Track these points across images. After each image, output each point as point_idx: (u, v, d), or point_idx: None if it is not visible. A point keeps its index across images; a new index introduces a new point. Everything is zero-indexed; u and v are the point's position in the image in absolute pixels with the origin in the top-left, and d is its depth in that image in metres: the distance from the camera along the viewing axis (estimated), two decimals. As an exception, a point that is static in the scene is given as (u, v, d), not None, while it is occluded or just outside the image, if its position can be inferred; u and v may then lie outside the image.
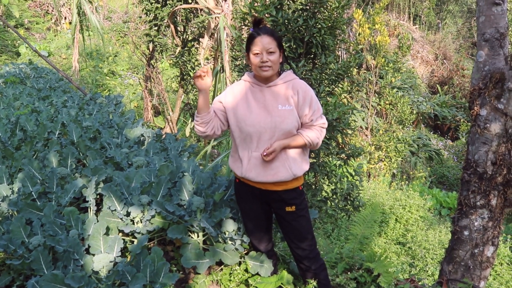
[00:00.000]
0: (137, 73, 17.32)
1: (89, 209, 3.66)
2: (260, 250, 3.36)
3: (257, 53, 2.75)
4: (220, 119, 2.95)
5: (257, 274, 3.33)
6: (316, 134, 2.87)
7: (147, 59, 11.13)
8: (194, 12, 10.53)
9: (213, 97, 7.08)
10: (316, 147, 2.92)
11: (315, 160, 5.95)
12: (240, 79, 3.02)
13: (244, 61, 6.34)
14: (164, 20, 10.11)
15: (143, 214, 3.45)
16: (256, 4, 5.51)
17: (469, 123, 3.58)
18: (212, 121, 2.91)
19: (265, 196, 2.97)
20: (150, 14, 10.24)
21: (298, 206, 2.97)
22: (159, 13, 10.06)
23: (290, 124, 2.79)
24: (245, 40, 6.10)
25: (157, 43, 10.52)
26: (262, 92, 2.86)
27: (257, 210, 3.10)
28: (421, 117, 17.46)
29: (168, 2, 10.05)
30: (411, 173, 13.55)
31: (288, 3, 5.58)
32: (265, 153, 2.76)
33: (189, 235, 3.46)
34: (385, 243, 8.34)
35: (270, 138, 2.80)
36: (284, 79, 2.87)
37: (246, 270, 3.37)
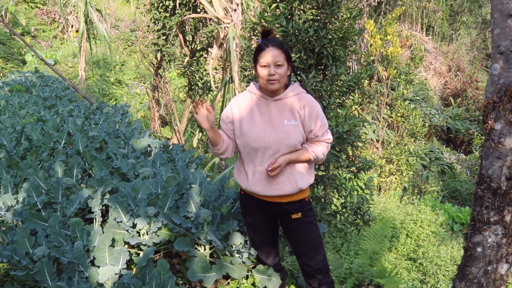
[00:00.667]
0: (144, 83, 17.40)
1: (94, 220, 3.68)
2: (267, 264, 3.36)
3: (265, 66, 2.74)
4: (234, 139, 2.97)
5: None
6: (321, 149, 2.86)
7: (154, 68, 11.21)
8: (203, 21, 10.61)
9: (222, 107, 7.10)
10: (319, 162, 2.93)
11: (324, 173, 5.95)
12: (246, 91, 3.02)
13: (253, 71, 6.36)
14: (173, 29, 10.19)
15: (149, 226, 3.46)
16: (266, 14, 5.54)
17: (483, 137, 3.58)
18: (229, 146, 2.93)
19: (271, 207, 2.97)
20: (158, 23, 10.33)
21: (305, 213, 2.95)
22: (167, 22, 10.14)
23: (295, 139, 2.79)
24: (254, 50, 6.14)
25: (165, 53, 10.59)
26: (268, 106, 2.85)
27: (262, 222, 3.09)
28: (433, 130, 17.41)
29: (176, 11, 10.13)
30: (422, 187, 13.49)
31: (299, 13, 5.60)
32: (269, 168, 2.76)
33: (196, 248, 3.47)
34: (395, 258, 8.29)
35: (274, 153, 2.80)
36: (291, 92, 2.85)
37: (254, 284, 3.36)
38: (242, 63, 7.14)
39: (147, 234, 3.48)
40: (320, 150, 2.86)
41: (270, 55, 2.72)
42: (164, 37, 10.45)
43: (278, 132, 2.78)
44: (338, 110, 5.84)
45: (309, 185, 2.95)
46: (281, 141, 2.77)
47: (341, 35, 5.53)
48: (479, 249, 3.52)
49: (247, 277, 3.44)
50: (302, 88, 2.95)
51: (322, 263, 3.06)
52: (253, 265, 3.50)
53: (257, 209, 3.04)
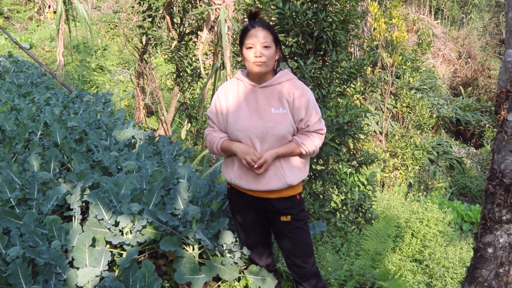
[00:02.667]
0: (128, 69, 17.36)
1: (73, 218, 3.67)
2: (259, 265, 3.37)
3: (250, 47, 2.74)
4: None
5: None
6: (313, 142, 2.85)
7: (139, 53, 11.15)
8: (193, 2, 10.56)
9: (213, 95, 7.09)
10: (312, 155, 2.92)
11: (323, 168, 5.96)
12: (233, 78, 3.03)
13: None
14: (159, 10, 10.13)
15: (133, 224, 3.46)
16: (260, -6, 5.53)
17: (495, 129, 3.58)
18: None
19: (258, 204, 2.97)
20: (143, 3, 10.26)
21: (294, 216, 2.96)
22: (153, 3, 10.08)
23: (283, 129, 2.78)
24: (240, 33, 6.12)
25: (151, 36, 10.54)
26: (255, 93, 2.86)
27: (252, 220, 3.11)
28: (441, 122, 17.46)
29: (163, -9, 10.08)
30: (429, 183, 13.54)
31: (296, -7, 5.59)
32: (255, 166, 2.76)
33: (184, 248, 3.46)
34: (399, 260, 8.33)
35: (261, 144, 2.80)
36: (279, 79, 2.85)
37: (246, 287, 3.37)
38: (235, 48, 7.13)
39: (131, 233, 3.47)
40: (311, 143, 2.85)
41: (256, 36, 2.73)
42: (150, 19, 10.39)
43: (265, 122, 2.78)
44: (339, 100, 5.84)
45: (300, 181, 2.95)
46: (268, 130, 2.77)
47: (342, 18, 5.53)
48: (490, 250, 3.53)
49: (239, 279, 3.44)
50: (294, 74, 2.95)
51: (314, 268, 3.11)
52: (245, 266, 3.51)
53: (246, 206, 3.05)
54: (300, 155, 2.89)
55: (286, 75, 2.88)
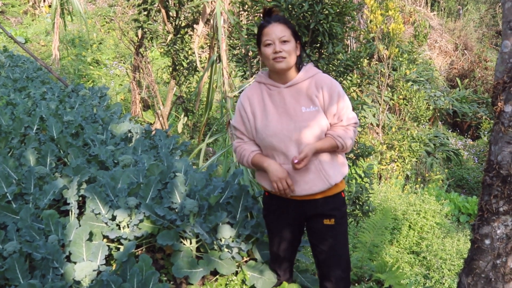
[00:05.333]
0: (124, 63, 17.31)
1: (70, 213, 3.67)
2: (277, 273, 3.27)
3: (269, 43, 2.63)
4: None
5: (256, 286, 3.33)
6: (348, 134, 2.73)
7: (135, 47, 11.13)
8: (188, -5, 10.52)
9: (209, 89, 7.08)
10: (348, 149, 2.78)
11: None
12: (254, 81, 2.89)
13: (243, 50, 6.34)
14: (155, 4, 10.11)
15: (130, 218, 3.46)
16: (256, -13, 5.52)
17: (492, 121, 3.59)
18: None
19: (300, 209, 2.84)
20: (139, -3, 10.24)
21: (339, 219, 2.82)
22: (149, -4, 10.06)
23: (318, 127, 2.68)
24: (244, 27, 6.11)
25: (146, 30, 10.51)
26: (281, 94, 2.73)
27: (288, 228, 2.97)
28: (438, 114, 17.46)
29: (159, -17, 10.05)
30: (426, 175, 13.56)
31: (292, -15, 5.58)
32: (296, 161, 2.60)
33: (181, 242, 3.47)
34: (397, 252, 8.35)
35: (297, 146, 2.68)
36: (304, 75, 2.74)
37: (244, 281, 3.37)
38: (231, 41, 7.11)
39: (128, 227, 3.47)
40: (347, 136, 2.72)
41: (273, 31, 2.63)
42: (146, 13, 10.36)
43: (297, 122, 2.67)
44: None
45: (343, 178, 2.82)
46: (302, 131, 2.66)
47: (338, 10, 5.52)
48: (487, 242, 3.54)
49: (236, 273, 3.44)
50: (318, 68, 2.84)
51: (348, 280, 2.95)
52: (244, 260, 3.51)
53: (284, 213, 2.91)
54: (337, 150, 2.76)
55: (310, 71, 2.77)
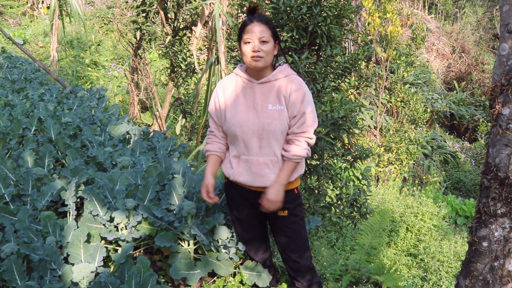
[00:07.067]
0: (122, 64, 17.30)
1: (68, 214, 3.66)
2: (255, 260, 3.38)
3: (249, 42, 2.73)
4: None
5: (254, 285, 3.33)
6: (302, 146, 2.83)
7: (133, 48, 11.12)
8: (187, -3, 10.52)
9: (207, 91, 7.08)
10: (307, 156, 2.92)
11: (318, 162, 5.95)
12: (232, 73, 3.02)
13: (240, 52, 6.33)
14: (153, 5, 10.10)
15: (128, 220, 3.45)
16: (255, -11, 5.51)
17: (489, 123, 3.59)
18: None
19: (256, 198, 2.96)
20: (137, -2, 10.24)
21: (291, 211, 2.97)
22: (147, -2, 10.06)
23: (279, 125, 2.78)
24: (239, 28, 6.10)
25: (145, 31, 10.51)
26: (252, 89, 2.85)
27: (249, 215, 3.11)
28: (435, 116, 17.49)
29: (157, -15, 10.04)
30: (424, 177, 13.57)
31: (291, -12, 5.58)
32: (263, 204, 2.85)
33: (179, 243, 3.46)
34: (394, 254, 8.35)
35: (258, 140, 2.81)
36: (277, 75, 2.83)
37: (242, 282, 3.37)
38: (229, 43, 7.11)
39: (126, 228, 3.47)
40: (301, 148, 2.83)
41: (254, 31, 2.71)
42: (144, 14, 10.36)
43: (261, 118, 2.78)
44: (333, 94, 5.84)
45: (297, 176, 2.97)
46: (264, 127, 2.77)
47: (336, 12, 5.52)
48: (485, 244, 3.54)
49: (234, 274, 3.44)
50: (293, 70, 2.93)
51: (309, 263, 3.13)
52: (241, 261, 3.50)
53: (243, 201, 3.06)
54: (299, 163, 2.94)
55: (284, 71, 2.86)
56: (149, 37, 10.65)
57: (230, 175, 2.95)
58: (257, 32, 2.71)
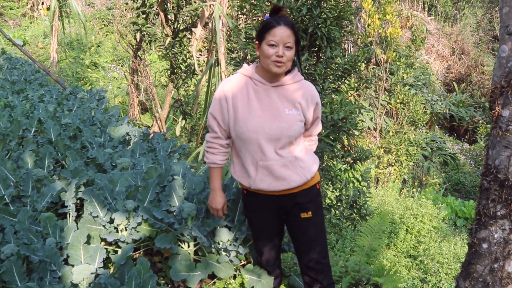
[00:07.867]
0: (122, 66, 17.30)
1: (68, 215, 3.66)
2: (266, 269, 3.32)
3: (273, 44, 2.61)
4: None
5: (254, 288, 3.33)
6: (315, 145, 3.08)
7: (133, 50, 11.12)
8: (187, -2, 10.53)
9: (207, 92, 7.08)
10: None
11: (318, 164, 5.95)
12: (236, 72, 2.90)
13: (241, 53, 6.34)
14: (153, 7, 10.11)
15: (128, 221, 3.45)
16: (255, -9, 5.52)
17: (489, 125, 3.59)
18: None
19: (280, 203, 2.91)
20: (137, 0, 10.23)
21: (315, 211, 2.91)
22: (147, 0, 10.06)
23: (297, 130, 2.75)
24: (242, 30, 6.12)
25: (145, 33, 10.51)
26: (267, 92, 2.75)
27: (270, 223, 3.05)
28: (435, 118, 17.49)
29: (157, -13, 10.05)
30: (423, 179, 13.57)
31: (291, -10, 5.59)
32: None
33: (179, 245, 3.46)
34: (394, 256, 8.35)
35: (274, 144, 2.73)
36: (292, 79, 2.77)
37: (242, 285, 3.36)
38: (229, 45, 7.11)
39: (126, 230, 3.46)
40: (315, 146, 3.08)
41: (281, 34, 2.60)
42: (144, 16, 10.36)
43: (280, 122, 2.71)
44: (333, 96, 5.84)
45: (317, 170, 2.97)
46: (283, 131, 2.70)
47: (336, 14, 5.52)
48: (484, 246, 3.54)
49: (234, 277, 3.44)
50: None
51: (328, 266, 3.04)
52: (242, 264, 3.50)
53: (265, 209, 2.98)
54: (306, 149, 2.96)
55: (297, 76, 2.81)
56: (149, 38, 10.65)
57: (251, 184, 2.84)
58: (284, 36, 2.60)
